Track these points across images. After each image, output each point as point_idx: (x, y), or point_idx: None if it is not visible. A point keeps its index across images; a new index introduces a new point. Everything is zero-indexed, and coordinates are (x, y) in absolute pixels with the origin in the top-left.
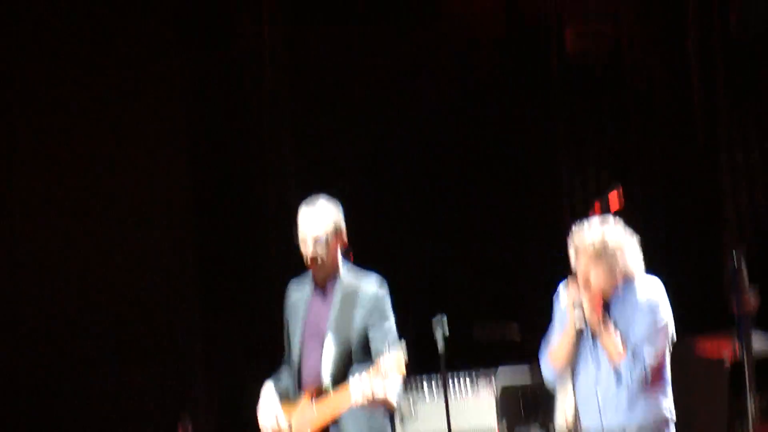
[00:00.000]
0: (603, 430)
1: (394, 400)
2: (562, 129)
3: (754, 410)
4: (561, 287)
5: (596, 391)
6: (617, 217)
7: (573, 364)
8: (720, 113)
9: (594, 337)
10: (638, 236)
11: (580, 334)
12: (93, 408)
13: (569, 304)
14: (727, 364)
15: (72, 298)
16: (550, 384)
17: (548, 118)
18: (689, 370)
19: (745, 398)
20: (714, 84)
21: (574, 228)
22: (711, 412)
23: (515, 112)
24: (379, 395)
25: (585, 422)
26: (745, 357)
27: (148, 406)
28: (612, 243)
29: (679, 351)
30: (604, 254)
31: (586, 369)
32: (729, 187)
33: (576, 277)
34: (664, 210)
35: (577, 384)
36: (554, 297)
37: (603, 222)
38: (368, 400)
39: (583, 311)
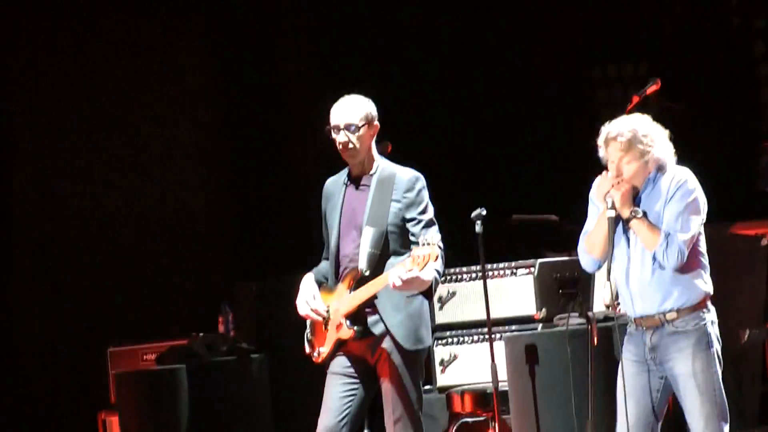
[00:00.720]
0: (641, 315)
1: (429, 277)
2: (594, 24)
3: None
4: (595, 183)
5: (632, 278)
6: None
7: (609, 254)
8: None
9: (627, 226)
10: (669, 131)
11: (613, 222)
12: (132, 304)
13: (601, 194)
14: (765, 241)
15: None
16: (589, 272)
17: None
18: (726, 249)
19: None
20: None
21: (605, 123)
22: (749, 291)
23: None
24: (415, 279)
25: (625, 308)
26: None
27: (192, 300)
28: (642, 132)
29: (715, 234)
30: (634, 144)
31: (622, 258)
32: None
33: (607, 171)
34: (700, 102)
35: (615, 272)
36: (590, 192)
37: (633, 117)
38: (404, 284)
39: (614, 201)
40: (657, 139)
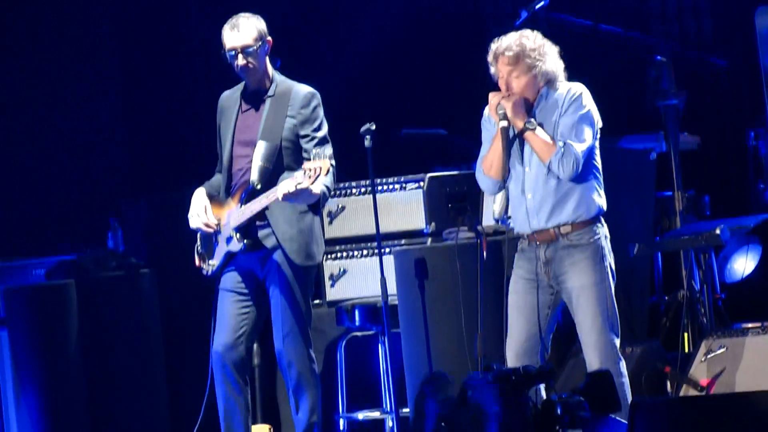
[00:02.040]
0: (536, 230)
1: (317, 190)
2: None
3: (679, 205)
4: (487, 108)
5: (527, 193)
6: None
7: (505, 165)
8: None
9: (522, 139)
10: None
11: (506, 135)
12: (21, 219)
13: (492, 109)
14: (653, 156)
15: None
16: (489, 194)
17: None
18: (615, 164)
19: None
20: None
21: (493, 40)
22: (638, 205)
23: None
24: (304, 191)
25: (518, 225)
26: (671, 153)
27: (81, 216)
28: (530, 47)
29: (603, 149)
30: (522, 57)
31: (517, 174)
32: None
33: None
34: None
35: (510, 187)
36: (482, 120)
37: (521, 32)
38: (292, 195)
39: (506, 112)
40: (546, 54)
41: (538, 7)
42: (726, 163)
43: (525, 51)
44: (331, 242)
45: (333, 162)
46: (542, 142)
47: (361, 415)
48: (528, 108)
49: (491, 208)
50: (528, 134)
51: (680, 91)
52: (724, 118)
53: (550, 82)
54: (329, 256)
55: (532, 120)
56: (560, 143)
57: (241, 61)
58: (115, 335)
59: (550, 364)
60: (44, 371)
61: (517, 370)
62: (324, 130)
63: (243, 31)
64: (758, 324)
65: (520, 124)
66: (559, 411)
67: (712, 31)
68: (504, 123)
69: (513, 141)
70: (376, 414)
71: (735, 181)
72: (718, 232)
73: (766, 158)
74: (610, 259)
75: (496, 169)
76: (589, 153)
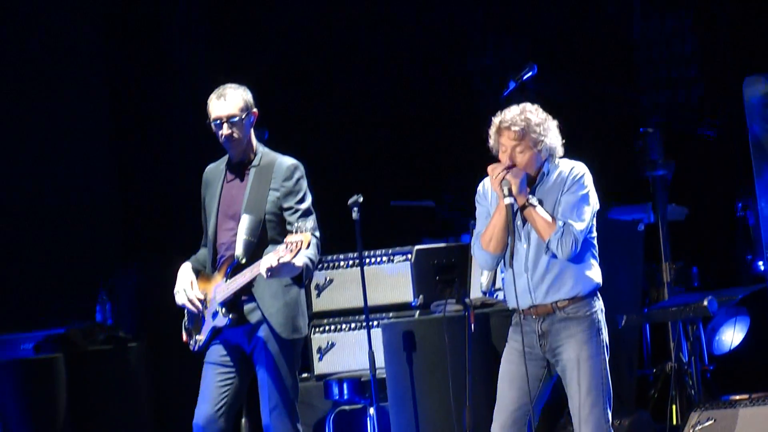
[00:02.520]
0: (533, 305)
1: (299, 263)
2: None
3: (667, 276)
4: (480, 186)
5: (526, 269)
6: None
7: (510, 242)
8: None
9: (522, 215)
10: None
11: (511, 209)
12: (8, 292)
13: (496, 184)
14: (642, 228)
15: None
16: (487, 269)
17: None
18: (605, 235)
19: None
20: None
21: (496, 114)
22: (627, 276)
23: None
24: (287, 264)
25: (514, 299)
26: (660, 224)
27: (69, 289)
28: (535, 121)
29: (598, 218)
30: (528, 132)
31: (517, 250)
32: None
33: (499, 162)
34: (578, 88)
35: (506, 265)
36: (476, 196)
37: (524, 105)
38: (275, 271)
39: (512, 188)
40: (549, 129)
41: (526, 77)
42: (714, 234)
43: (530, 126)
44: (319, 315)
45: (317, 233)
46: (543, 220)
47: None
48: (528, 183)
49: (479, 281)
50: (529, 211)
51: (668, 161)
52: (712, 189)
53: (551, 156)
54: (317, 329)
55: (533, 197)
56: (560, 222)
57: (226, 130)
58: (104, 407)
59: None
60: None
61: None
62: (307, 202)
63: (229, 101)
64: (746, 396)
65: (522, 200)
66: None
67: (701, 101)
68: (509, 200)
69: (514, 216)
70: None
71: (723, 252)
72: (705, 303)
73: (755, 229)
74: (605, 333)
75: (495, 244)
76: (588, 233)
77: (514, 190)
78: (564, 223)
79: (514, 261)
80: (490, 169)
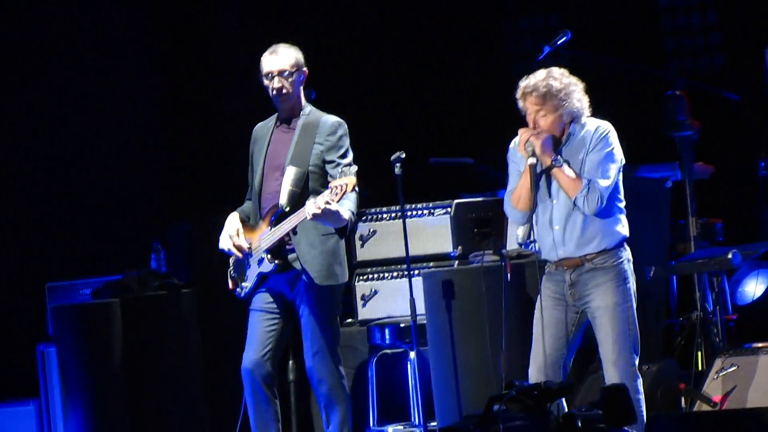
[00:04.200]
0: (562, 258)
1: (346, 215)
2: None
3: (693, 231)
4: (512, 144)
5: (554, 225)
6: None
7: (533, 200)
8: None
9: (549, 175)
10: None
11: (534, 171)
12: (69, 242)
13: (521, 146)
14: (669, 185)
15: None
16: (517, 224)
17: None
18: (633, 192)
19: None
20: None
21: (522, 79)
22: (654, 230)
23: None
24: (332, 211)
25: (545, 252)
26: (686, 182)
27: (126, 238)
28: (556, 86)
29: (624, 175)
30: (549, 97)
31: (545, 208)
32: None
33: (526, 125)
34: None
35: (537, 220)
36: (507, 154)
37: (549, 70)
38: (321, 214)
39: (534, 149)
40: (572, 92)
41: (559, 42)
42: (737, 192)
43: (552, 91)
44: (363, 264)
45: (357, 189)
46: (568, 179)
47: (390, 429)
48: (555, 144)
49: (515, 233)
50: (555, 171)
51: (694, 123)
52: (735, 149)
53: (576, 118)
54: (361, 278)
55: (559, 157)
56: (585, 180)
57: (276, 84)
58: (157, 351)
59: (571, 380)
60: (90, 385)
61: (539, 385)
62: (349, 158)
63: (281, 56)
64: (767, 344)
65: (547, 161)
66: (578, 424)
67: (724, 67)
68: (532, 160)
69: (540, 176)
70: (405, 428)
71: (746, 209)
72: (729, 256)
73: None
74: (632, 282)
75: (524, 202)
76: (614, 188)
77: (538, 151)
78: (589, 181)
79: (544, 216)
80: (520, 131)
